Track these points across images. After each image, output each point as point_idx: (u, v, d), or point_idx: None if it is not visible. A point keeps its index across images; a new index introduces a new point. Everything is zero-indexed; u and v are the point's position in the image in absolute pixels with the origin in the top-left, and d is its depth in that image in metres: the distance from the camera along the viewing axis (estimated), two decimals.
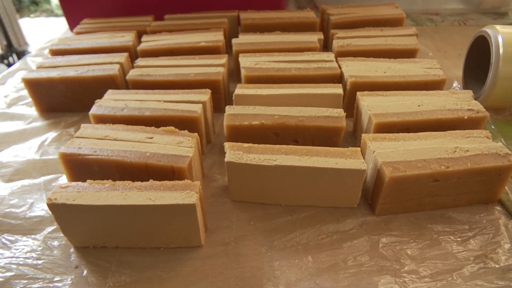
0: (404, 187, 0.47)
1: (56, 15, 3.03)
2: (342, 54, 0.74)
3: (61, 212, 0.43)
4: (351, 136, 0.64)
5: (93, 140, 0.51)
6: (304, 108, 0.56)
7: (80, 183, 0.44)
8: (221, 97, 0.69)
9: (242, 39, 0.79)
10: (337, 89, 0.61)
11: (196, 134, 0.52)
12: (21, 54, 1.96)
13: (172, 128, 0.52)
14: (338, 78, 0.67)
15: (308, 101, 0.60)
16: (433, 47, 0.94)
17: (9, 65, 1.95)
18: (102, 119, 0.57)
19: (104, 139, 0.51)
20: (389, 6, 0.91)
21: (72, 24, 1.04)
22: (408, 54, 0.75)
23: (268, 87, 0.62)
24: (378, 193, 0.48)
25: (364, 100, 0.58)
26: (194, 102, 0.59)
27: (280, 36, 0.79)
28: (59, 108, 0.73)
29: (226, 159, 0.47)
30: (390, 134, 0.51)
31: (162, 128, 0.53)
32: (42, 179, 0.57)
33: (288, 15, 0.89)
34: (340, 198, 0.50)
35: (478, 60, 0.73)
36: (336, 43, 0.76)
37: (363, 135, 0.52)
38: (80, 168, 0.50)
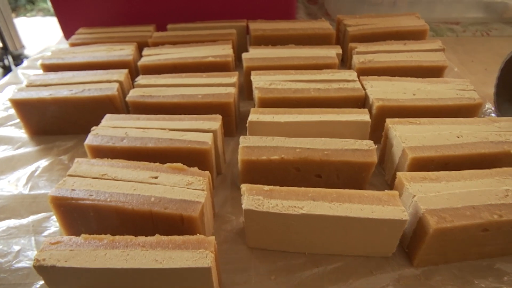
0: (449, 238, 0.41)
1: (53, 15, 2.94)
2: (364, 71, 0.67)
3: (51, 274, 0.36)
4: (377, 167, 0.58)
5: (88, 179, 0.44)
6: (329, 139, 0.50)
7: (73, 237, 0.37)
8: (232, 120, 0.62)
9: (253, 54, 0.72)
10: (364, 116, 0.54)
11: (207, 172, 0.45)
12: (17, 57, 1.89)
13: (179, 165, 0.46)
14: (362, 101, 0.61)
15: (331, 128, 0.54)
16: (456, 60, 0.88)
17: (4, 67, 1.88)
18: (99, 151, 0.51)
19: (101, 178, 0.44)
20: (410, 16, 0.85)
21: (67, 32, 0.97)
22: (436, 71, 0.69)
23: (286, 113, 0.55)
24: (419, 244, 0.42)
25: (395, 129, 0.52)
26: (203, 131, 0.52)
27: (294, 50, 0.72)
28: (51, 131, 0.66)
29: (244, 207, 0.41)
30: (430, 173, 0.45)
31: (168, 164, 0.46)
32: (31, 218, 0.50)
33: (302, 25, 0.82)
34: (374, 247, 0.44)
35: (510, 79, 0.67)
36: (356, 59, 0.69)
37: (399, 173, 0.45)
38: (73, 213, 0.43)
